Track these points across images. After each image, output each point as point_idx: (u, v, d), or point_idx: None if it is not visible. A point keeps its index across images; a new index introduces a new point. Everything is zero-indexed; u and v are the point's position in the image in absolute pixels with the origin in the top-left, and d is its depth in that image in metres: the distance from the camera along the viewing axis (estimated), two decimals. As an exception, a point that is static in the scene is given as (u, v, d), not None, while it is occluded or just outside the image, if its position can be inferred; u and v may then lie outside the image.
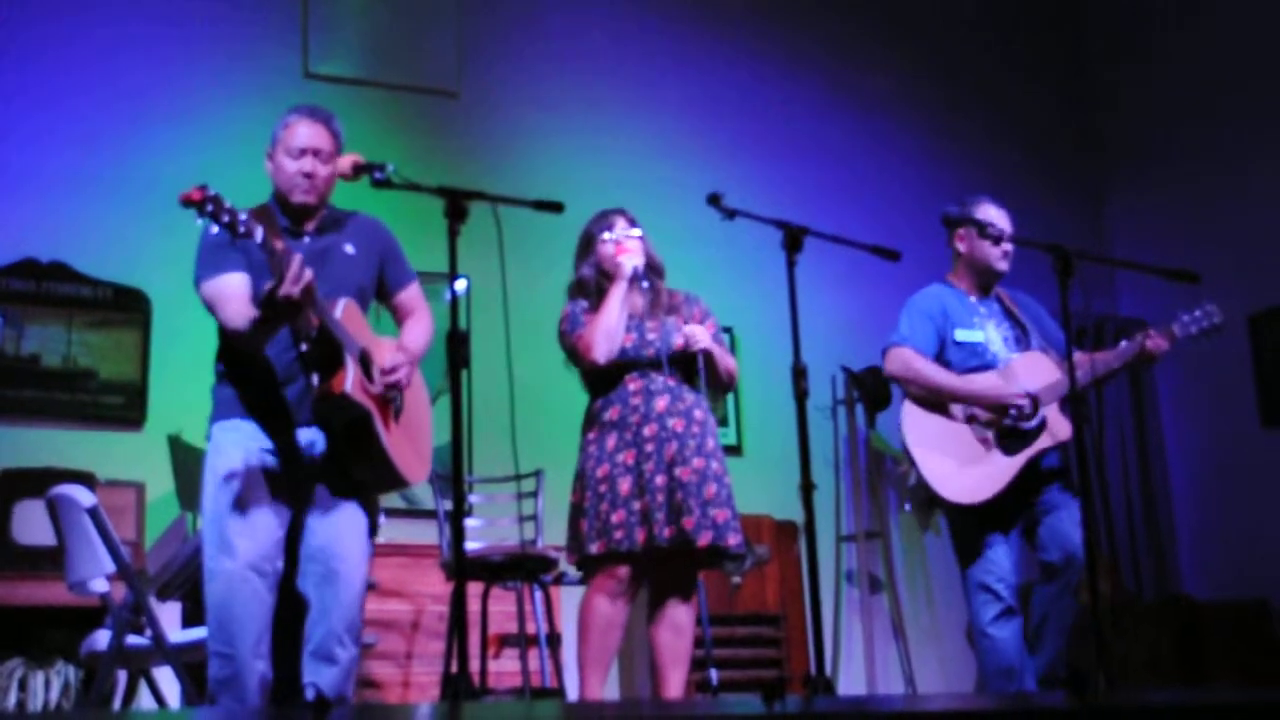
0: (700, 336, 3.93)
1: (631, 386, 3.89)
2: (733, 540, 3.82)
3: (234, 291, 3.28)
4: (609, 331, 3.85)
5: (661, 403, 3.87)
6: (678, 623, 3.89)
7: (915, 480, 4.30)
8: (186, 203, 2.95)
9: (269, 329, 3.21)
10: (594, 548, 3.78)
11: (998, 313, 4.31)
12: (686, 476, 3.78)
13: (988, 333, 4.25)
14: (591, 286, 4.00)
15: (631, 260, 3.92)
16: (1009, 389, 4.16)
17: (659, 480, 3.78)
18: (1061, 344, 4.18)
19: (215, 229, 2.99)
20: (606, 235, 3.99)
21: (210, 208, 2.96)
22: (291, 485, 3.34)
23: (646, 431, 3.83)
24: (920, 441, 4.16)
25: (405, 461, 3.43)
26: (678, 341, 3.94)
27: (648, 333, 3.94)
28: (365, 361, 3.33)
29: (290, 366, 3.33)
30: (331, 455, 3.35)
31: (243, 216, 3.01)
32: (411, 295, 3.64)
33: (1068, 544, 4.09)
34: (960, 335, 4.23)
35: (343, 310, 3.30)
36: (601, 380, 3.94)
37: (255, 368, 3.33)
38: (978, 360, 4.21)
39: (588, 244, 4.04)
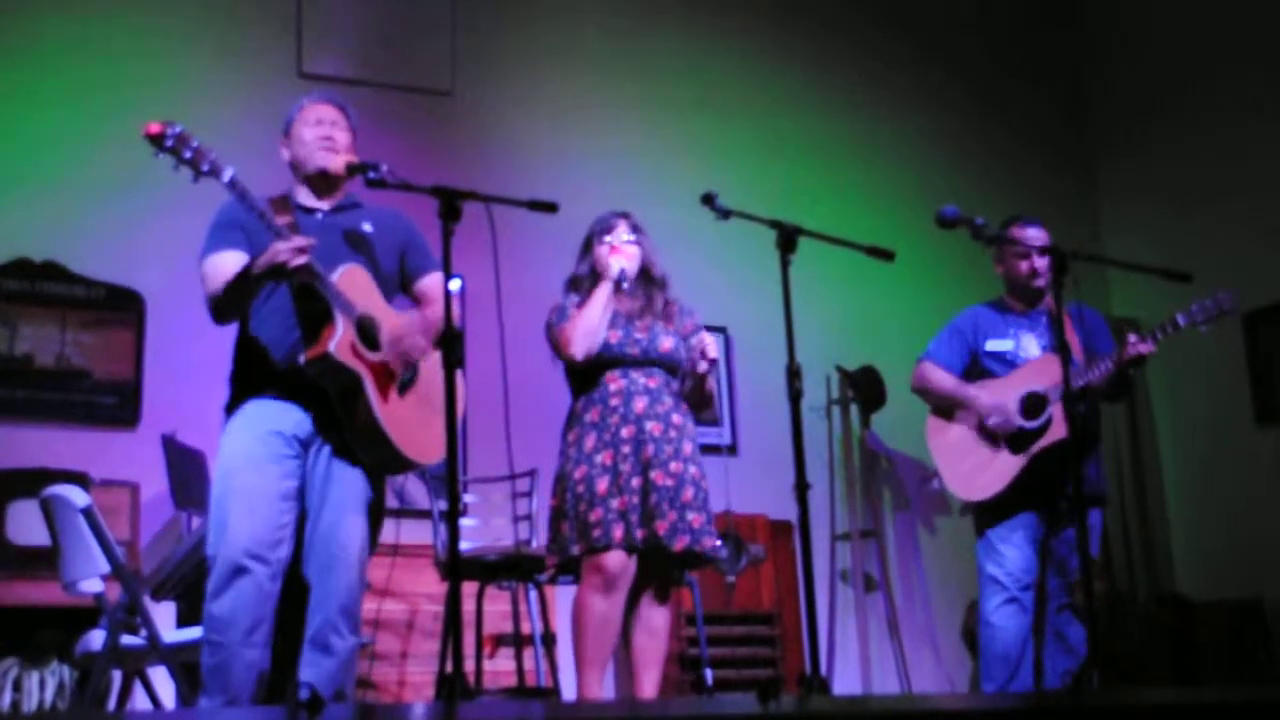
0: (713, 348, 3.95)
1: (612, 386, 3.90)
2: (709, 544, 3.85)
3: (223, 267, 3.29)
4: (588, 329, 3.88)
5: (640, 404, 3.88)
6: (653, 626, 3.91)
7: (939, 485, 4.53)
8: (148, 137, 2.93)
9: (253, 288, 3.22)
10: (575, 549, 3.79)
11: (1041, 324, 4.45)
12: (661, 480, 3.80)
13: (1020, 341, 4.44)
14: (584, 284, 4.03)
15: (619, 263, 3.96)
16: (1009, 393, 4.33)
17: (635, 482, 3.79)
18: (1099, 352, 4.31)
19: (223, 204, 2.98)
20: (606, 238, 4.03)
21: (170, 143, 2.95)
22: (300, 472, 3.31)
23: (624, 433, 3.84)
24: (940, 448, 4.47)
25: (407, 437, 3.34)
26: (665, 344, 3.96)
27: (635, 332, 3.96)
28: (367, 327, 3.29)
29: (296, 346, 3.29)
30: (330, 425, 3.30)
31: (212, 155, 3.00)
32: (434, 283, 3.56)
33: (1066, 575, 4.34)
34: (990, 345, 4.47)
35: (342, 274, 3.27)
36: (584, 378, 3.96)
37: (264, 354, 3.32)
38: (1006, 367, 4.42)
39: (588, 243, 4.08)
